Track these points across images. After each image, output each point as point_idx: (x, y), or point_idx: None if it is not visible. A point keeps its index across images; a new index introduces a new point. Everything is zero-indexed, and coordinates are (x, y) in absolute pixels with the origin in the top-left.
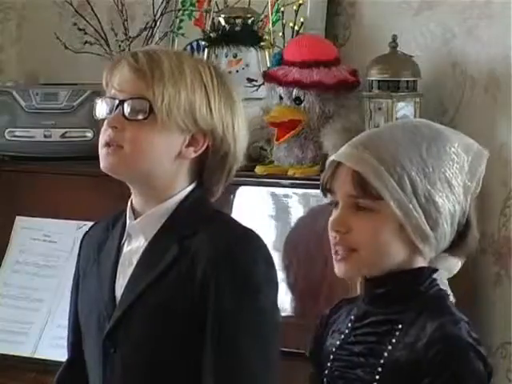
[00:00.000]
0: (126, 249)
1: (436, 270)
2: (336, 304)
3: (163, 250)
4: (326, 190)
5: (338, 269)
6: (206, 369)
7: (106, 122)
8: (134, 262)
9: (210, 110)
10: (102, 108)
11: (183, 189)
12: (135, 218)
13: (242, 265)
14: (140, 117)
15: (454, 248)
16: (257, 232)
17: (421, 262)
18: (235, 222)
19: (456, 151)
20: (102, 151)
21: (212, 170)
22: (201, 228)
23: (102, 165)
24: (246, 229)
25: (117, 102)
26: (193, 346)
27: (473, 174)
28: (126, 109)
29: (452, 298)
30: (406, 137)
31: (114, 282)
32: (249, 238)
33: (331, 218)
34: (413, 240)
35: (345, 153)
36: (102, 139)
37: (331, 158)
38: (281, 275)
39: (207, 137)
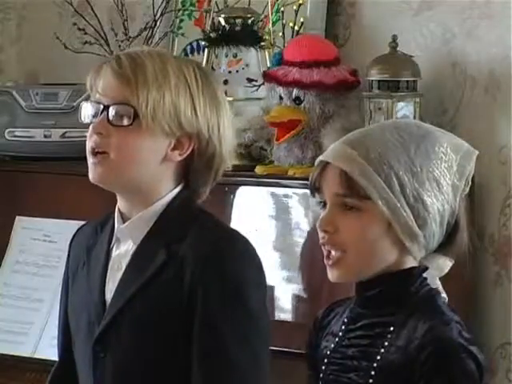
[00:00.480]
0: (114, 252)
1: (426, 269)
2: (328, 306)
3: (151, 254)
4: (314, 190)
5: (330, 274)
6: (194, 371)
7: (91, 128)
8: (123, 266)
9: (195, 112)
10: (86, 111)
11: (170, 191)
12: (123, 222)
13: (229, 268)
14: (125, 123)
15: (443, 248)
16: (243, 234)
17: (411, 263)
18: (222, 224)
19: (445, 151)
20: (90, 161)
21: (198, 171)
22: (188, 231)
23: (90, 176)
24: (232, 231)
25: (101, 106)
26: (183, 350)
27: (461, 173)
28: (111, 114)
29: (445, 296)
30: (394, 136)
31: (104, 285)
32: (235, 240)
33: (319, 218)
34: (401, 239)
35: (332, 152)
36: (88, 145)
37: (319, 157)
38: (281, 275)
39: (193, 139)
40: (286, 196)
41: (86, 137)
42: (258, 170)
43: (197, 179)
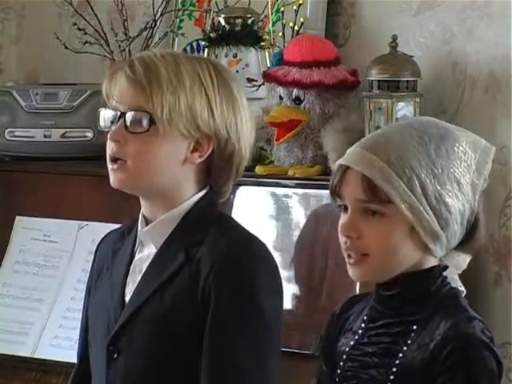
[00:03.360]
0: (137, 256)
1: (446, 268)
2: (346, 301)
3: (171, 257)
4: (335, 195)
5: (352, 273)
6: (202, 371)
7: (109, 135)
8: (144, 269)
9: (212, 113)
10: (104, 118)
11: (193, 194)
12: (147, 225)
13: (244, 272)
14: (142, 129)
15: (463, 245)
16: (261, 239)
17: (432, 262)
18: (240, 227)
19: (464, 150)
20: (109, 167)
21: (219, 171)
22: (206, 234)
23: (111, 181)
24: (249, 235)
25: (118, 113)
26: (195, 353)
27: (480, 171)
28: (128, 121)
29: (464, 290)
30: (414, 138)
31: (124, 288)
32: (251, 244)
33: (341, 223)
34: (424, 241)
35: (353, 157)
36: (107, 152)
37: (339, 161)
38: (281, 275)
39: (211, 140)
40: (286, 196)
41: (85, 137)
42: (258, 170)
43: (218, 179)
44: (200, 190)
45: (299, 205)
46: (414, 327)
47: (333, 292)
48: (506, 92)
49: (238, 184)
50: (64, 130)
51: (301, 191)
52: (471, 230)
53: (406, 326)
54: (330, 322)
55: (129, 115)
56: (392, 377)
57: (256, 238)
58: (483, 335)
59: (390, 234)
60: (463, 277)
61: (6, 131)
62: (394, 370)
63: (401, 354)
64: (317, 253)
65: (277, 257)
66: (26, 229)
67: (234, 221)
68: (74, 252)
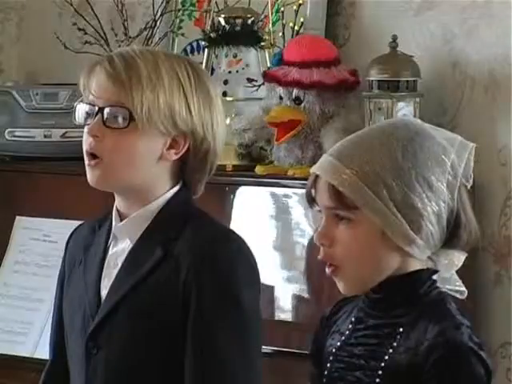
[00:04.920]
0: (111, 250)
1: (435, 272)
2: (335, 304)
3: (148, 252)
4: (310, 201)
5: (339, 287)
6: (186, 368)
7: (86, 130)
8: (119, 264)
9: (190, 111)
10: (81, 113)
11: (167, 190)
12: (121, 220)
13: (222, 267)
14: (120, 125)
15: (450, 243)
16: (238, 234)
17: (417, 264)
18: (217, 223)
19: (435, 150)
20: (86, 163)
21: (194, 169)
22: (184, 230)
23: (88, 179)
24: (227, 231)
25: (96, 108)
26: (176, 348)
27: (456, 169)
28: (106, 116)
29: (464, 290)
30: (381, 143)
31: (100, 282)
32: (229, 240)
33: (316, 231)
34: (398, 245)
35: (321, 164)
36: (84, 147)
37: (311, 169)
38: (281, 275)
39: (188, 138)
40: (286, 196)
41: None
42: (258, 170)
43: (192, 177)
44: (173, 187)
45: (299, 205)
46: (401, 329)
47: (333, 292)
48: (506, 92)
49: (238, 184)
50: (64, 130)
51: (301, 191)
52: (454, 228)
53: (393, 328)
54: (319, 324)
55: (107, 110)
56: (378, 380)
57: (234, 233)
58: (471, 341)
59: (361, 239)
60: (463, 277)
61: (6, 131)
62: (380, 372)
63: (387, 357)
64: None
65: (277, 257)
66: (26, 229)
67: (211, 217)
68: None
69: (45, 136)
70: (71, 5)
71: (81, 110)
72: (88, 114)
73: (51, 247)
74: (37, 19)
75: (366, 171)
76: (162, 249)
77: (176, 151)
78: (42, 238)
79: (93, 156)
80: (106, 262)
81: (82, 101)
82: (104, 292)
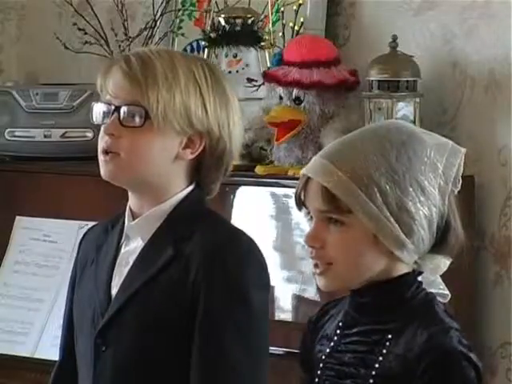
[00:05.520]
0: (123, 249)
1: (420, 274)
2: (321, 308)
3: (159, 251)
4: (300, 205)
5: (319, 283)
6: (193, 368)
7: (102, 129)
8: (131, 262)
9: (206, 111)
10: (98, 113)
11: (181, 190)
12: (133, 219)
13: (232, 268)
14: (136, 123)
15: (437, 248)
16: (249, 234)
17: (403, 268)
18: (228, 224)
19: (428, 154)
20: (100, 158)
21: (209, 169)
22: (195, 230)
23: (101, 172)
24: (238, 232)
25: (112, 107)
26: (184, 347)
27: (448, 174)
28: (122, 115)
29: (448, 293)
30: (374, 145)
31: (111, 281)
32: (240, 241)
33: (306, 233)
34: (389, 249)
35: (312, 167)
36: (99, 146)
37: (302, 170)
38: (281, 275)
39: (204, 137)
40: (286, 196)
41: (85, 137)
42: (258, 170)
43: (207, 176)
44: (188, 186)
45: None
46: (389, 336)
47: (333, 292)
48: (506, 92)
49: (238, 184)
50: (64, 130)
51: None
52: (443, 233)
53: (382, 335)
54: (306, 329)
55: (123, 109)
56: None
57: (244, 234)
58: (460, 345)
59: (353, 242)
60: (464, 277)
61: (6, 131)
62: (372, 381)
63: (377, 365)
64: None
65: (277, 257)
66: (26, 229)
67: (222, 217)
68: (74, 252)
69: (45, 136)
70: (71, 5)
71: (98, 109)
72: (105, 114)
73: (51, 247)
74: (37, 19)
75: (360, 174)
76: (173, 248)
77: (192, 151)
78: (42, 238)
79: (108, 153)
80: (118, 260)
81: (98, 101)
82: (114, 290)
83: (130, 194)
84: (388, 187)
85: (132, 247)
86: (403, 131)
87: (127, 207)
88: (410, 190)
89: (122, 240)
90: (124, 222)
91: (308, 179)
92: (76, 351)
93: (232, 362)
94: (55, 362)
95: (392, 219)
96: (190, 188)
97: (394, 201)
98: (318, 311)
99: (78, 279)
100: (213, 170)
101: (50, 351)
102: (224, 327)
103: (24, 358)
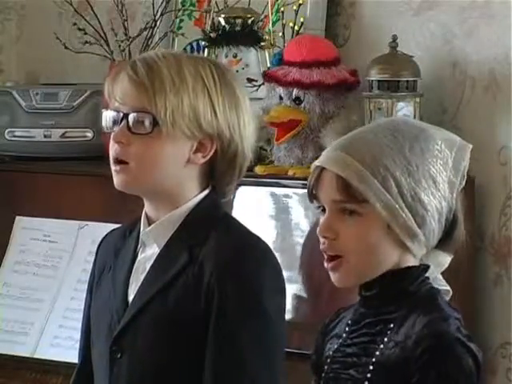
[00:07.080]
0: (140, 256)
1: (427, 268)
2: (336, 312)
3: (174, 257)
4: (312, 197)
5: (333, 278)
6: (206, 369)
7: (112, 137)
8: (147, 269)
9: (215, 113)
10: (107, 120)
11: (195, 195)
12: (149, 225)
13: (247, 274)
14: (145, 130)
15: (443, 244)
16: (264, 240)
17: (411, 261)
18: (244, 229)
19: (439, 148)
20: (112, 168)
21: (222, 171)
22: (210, 234)
23: (114, 183)
24: (253, 237)
25: (121, 114)
26: (199, 353)
27: (457, 169)
28: (131, 122)
29: (449, 289)
30: (388, 137)
31: (127, 288)
32: (255, 246)
33: (319, 224)
34: (402, 239)
35: (327, 158)
36: (110, 155)
37: (315, 162)
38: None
39: (214, 140)
40: (286, 196)
41: (85, 137)
42: (258, 170)
43: (221, 179)
44: (202, 191)
45: (299, 205)
46: (391, 325)
47: (333, 292)
48: (506, 92)
49: (238, 184)
50: (64, 130)
51: (301, 191)
52: (450, 228)
53: (384, 325)
54: (319, 333)
55: (131, 116)
56: (369, 375)
57: (259, 239)
58: (458, 332)
59: (367, 233)
60: (464, 277)
61: (6, 131)
62: (371, 367)
63: (377, 352)
64: (317, 253)
65: (277, 257)
66: (26, 229)
67: (238, 221)
68: (74, 252)
69: (45, 136)
70: (71, 5)
71: (107, 117)
72: (114, 121)
73: (51, 247)
74: (37, 19)
75: (376, 164)
76: (188, 253)
77: (203, 154)
78: (42, 238)
79: (119, 162)
80: (135, 267)
81: (107, 108)
82: (131, 297)
83: (145, 200)
84: (403, 178)
85: (148, 254)
86: (414, 125)
87: (143, 213)
88: (423, 181)
89: (139, 246)
90: (140, 228)
91: (321, 171)
92: (92, 357)
93: (245, 364)
94: (55, 361)
95: (406, 209)
96: (206, 192)
97: (409, 192)
98: (331, 315)
99: (96, 285)
100: (226, 173)
101: (50, 351)
102: (239, 334)
103: (24, 358)
